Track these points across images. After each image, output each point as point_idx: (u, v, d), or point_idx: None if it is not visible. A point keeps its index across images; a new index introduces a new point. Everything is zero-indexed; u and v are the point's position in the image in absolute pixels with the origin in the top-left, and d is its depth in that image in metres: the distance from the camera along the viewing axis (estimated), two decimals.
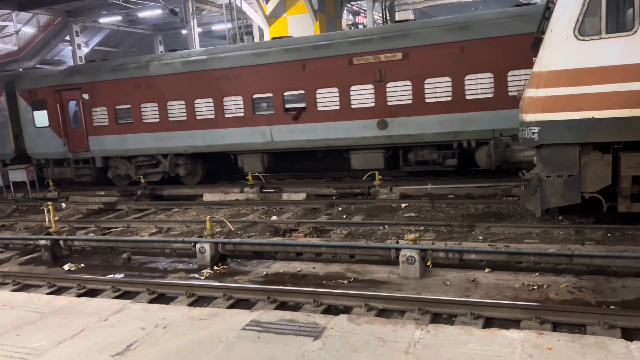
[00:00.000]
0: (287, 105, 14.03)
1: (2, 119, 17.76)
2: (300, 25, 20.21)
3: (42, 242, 9.56)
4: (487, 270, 7.04)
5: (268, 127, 14.27)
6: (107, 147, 16.39)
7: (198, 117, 15.00)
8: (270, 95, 14.15)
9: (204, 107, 14.91)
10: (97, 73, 16.23)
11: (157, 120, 15.50)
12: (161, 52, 31.60)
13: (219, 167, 16.68)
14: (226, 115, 14.69)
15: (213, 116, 14.82)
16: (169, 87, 15.20)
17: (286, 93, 13.96)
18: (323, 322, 5.05)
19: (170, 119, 15.35)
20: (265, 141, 14.39)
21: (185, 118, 15.14)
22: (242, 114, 14.48)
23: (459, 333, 4.61)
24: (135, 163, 16.31)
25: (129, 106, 15.83)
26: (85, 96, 16.35)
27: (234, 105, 14.58)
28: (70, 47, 30.24)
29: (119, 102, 15.92)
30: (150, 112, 15.61)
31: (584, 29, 7.42)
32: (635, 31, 7.16)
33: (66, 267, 9.02)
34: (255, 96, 14.28)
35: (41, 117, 17.13)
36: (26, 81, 17.37)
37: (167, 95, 15.27)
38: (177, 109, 15.27)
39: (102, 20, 30.10)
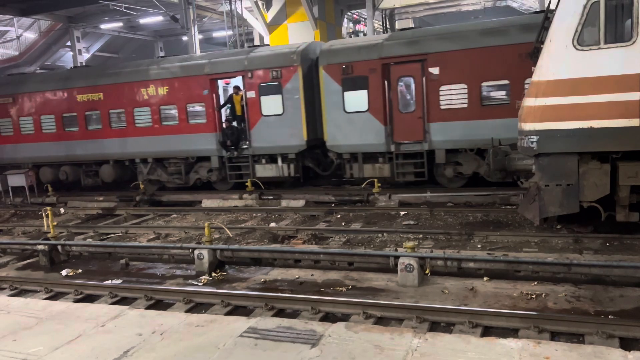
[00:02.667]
0: None
1: (292, 101, 14.11)
2: (300, 33, 20.29)
3: (40, 247, 9.54)
4: (485, 278, 7.03)
5: None
6: (460, 136, 12.61)
7: None
8: None
9: None
10: (455, 39, 12.50)
11: None
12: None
13: None
14: None
15: None
16: None
17: None
18: (321, 330, 5.03)
19: None
20: None
21: None
22: None
23: (456, 341, 4.60)
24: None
25: (505, 82, 12.03)
26: (434, 70, 12.58)
27: None
28: (71, 53, 30.31)
29: (490, 77, 12.15)
30: None
31: (582, 39, 7.46)
32: (634, 41, 7.21)
33: (64, 272, 9.00)
34: None
35: (356, 100, 13.44)
36: (338, 53, 13.65)
37: None
38: None
39: (103, 26, 30.17)
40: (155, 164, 16.26)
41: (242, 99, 15.23)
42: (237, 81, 15.59)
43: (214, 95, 15.13)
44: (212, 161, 15.36)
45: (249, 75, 14.48)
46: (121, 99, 16.15)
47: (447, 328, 5.75)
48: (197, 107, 15.30)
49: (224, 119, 15.45)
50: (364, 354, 4.46)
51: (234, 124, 15.41)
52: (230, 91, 15.95)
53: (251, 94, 14.62)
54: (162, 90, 15.56)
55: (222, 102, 15.67)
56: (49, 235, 10.01)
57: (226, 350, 4.77)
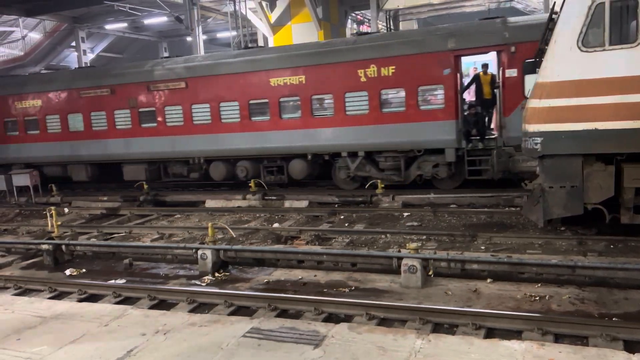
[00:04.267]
0: None
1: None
2: (304, 33, 20.29)
3: (44, 246, 9.57)
4: (489, 280, 7.02)
5: None
6: None
7: None
8: None
9: None
10: None
11: None
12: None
13: None
14: None
15: None
16: None
17: None
18: (324, 330, 5.04)
19: None
20: None
21: None
22: None
23: (459, 343, 4.60)
24: None
25: None
26: None
27: None
28: (75, 53, 30.43)
29: None
30: None
31: (587, 41, 7.45)
32: (639, 43, 7.18)
33: (67, 272, 9.02)
34: None
35: None
36: None
37: None
38: None
39: (108, 26, 30.28)
40: (365, 158, 13.77)
41: (492, 79, 13.05)
42: (476, 59, 13.13)
43: (457, 75, 12.63)
44: (447, 154, 12.69)
45: (511, 49, 11.83)
46: (328, 83, 13.65)
47: (450, 330, 5.73)
48: (433, 90, 12.75)
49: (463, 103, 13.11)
50: (367, 355, 4.46)
51: (479, 109, 13.12)
52: (471, 70, 13.53)
53: (511, 73, 12.00)
54: (386, 71, 12.97)
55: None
56: (53, 234, 10.04)
57: (229, 350, 4.78)
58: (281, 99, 14.24)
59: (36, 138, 17.80)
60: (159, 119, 15.82)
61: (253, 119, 14.67)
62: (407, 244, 7.72)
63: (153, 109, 15.85)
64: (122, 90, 16.14)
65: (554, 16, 8.16)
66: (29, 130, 17.91)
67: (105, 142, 16.64)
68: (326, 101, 13.89)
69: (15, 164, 18.31)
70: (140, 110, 16.03)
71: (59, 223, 10.43)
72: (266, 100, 14.40)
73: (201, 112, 15.29)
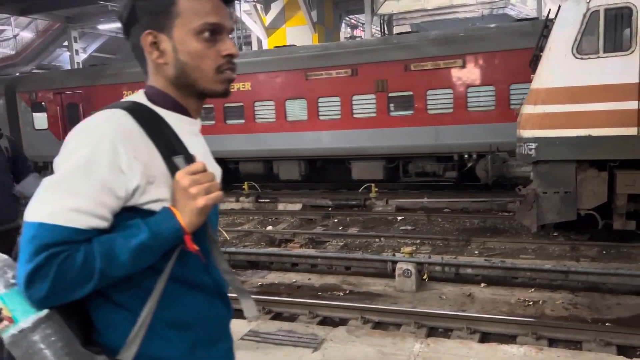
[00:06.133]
0: None
1: None
2: (299, 36, 20.30)
3: None
4: (483, 284, 7.05)
5: None
6: None
7: None
8: None
9: None
10: None
11: None
12: None
13: None
14: None
15: None
16: None
17: None
18: (322, 334, 5.03)
19: None
20: None
21: None
22: None
23: (458, 347, 4.61)
24: None
25: None
26: None
27: None
28: (68, 53, 30.22)
29: None
30: None
31: (581, 48, 7.53)
32: (633, 51, 7.28)
33: None
34: None
35: None
36: None
37: None
38: None
39: (101, 26, 30.13)
40: None
41: None
42: None
43: None
44: None
45: None
46: None
47: (445, 334, 5.75)
48: None
49: None
50: (366, 359, 4.46)
51: None
52: None
53: None
54: None
55: None
56: None
57: None
58: None
59: (237, 129, 14.59)
60: (417, 105, 12.68)
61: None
62: (402, 248, 7.74)
63: (410, 93, 12.70)
64: (367, 70, 13.07)
65: (549, 23, 8.25)
66: (227, 119, 14.70)
67: (335, 133, 13.55)
68: None
69: None
70: (391, 95, 12.92)
71: None
72: None
73: (482, 97, 12.02)
